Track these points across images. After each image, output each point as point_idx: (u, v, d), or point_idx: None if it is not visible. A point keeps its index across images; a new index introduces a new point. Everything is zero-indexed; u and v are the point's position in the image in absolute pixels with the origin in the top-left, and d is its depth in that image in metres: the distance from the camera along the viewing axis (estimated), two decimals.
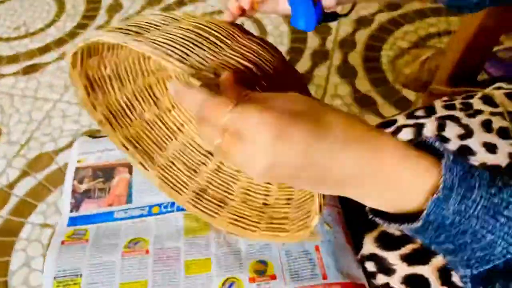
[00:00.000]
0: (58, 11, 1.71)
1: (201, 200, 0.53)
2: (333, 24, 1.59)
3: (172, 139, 0.55)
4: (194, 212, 0.53)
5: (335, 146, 0.29)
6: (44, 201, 1.15)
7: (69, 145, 1.27)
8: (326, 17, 0.48)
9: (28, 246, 1.07)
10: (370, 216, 0.33)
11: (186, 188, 0.53)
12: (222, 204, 0.53)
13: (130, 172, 0.58)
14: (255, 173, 0.29)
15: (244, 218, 0.51)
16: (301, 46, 1.50)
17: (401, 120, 0.62)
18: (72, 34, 1.61)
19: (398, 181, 0.30)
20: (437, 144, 0.31)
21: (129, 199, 0.56)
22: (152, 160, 0.53)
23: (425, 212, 0.28)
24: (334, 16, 0.49)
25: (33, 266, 1.03)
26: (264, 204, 0.51)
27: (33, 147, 1.27)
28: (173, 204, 0.55)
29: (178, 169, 0.54)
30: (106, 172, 0.58)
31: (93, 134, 0.66)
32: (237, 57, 0.35)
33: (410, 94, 1.33)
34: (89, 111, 0.49)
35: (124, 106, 0.52)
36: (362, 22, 1.57)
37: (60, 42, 1.58)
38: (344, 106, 1.31)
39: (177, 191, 0.53)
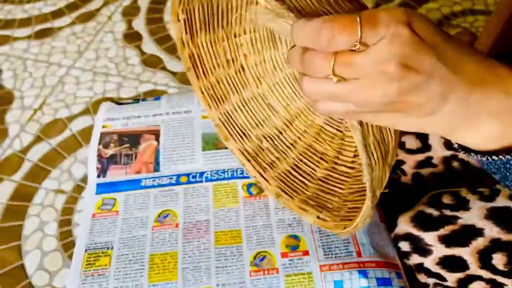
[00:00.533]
0: None
1: (257, 156, 0.51)
2: None
3: (246, 88, 0.52)
4: (244, 164, 0.50)
5: (460, 50, 0.28)
6: (57, 167, 1.14)
7: (83, 112, 1.25)
8: None
9: (42, 211, 1.07)
10: (463, 152, 0.32)
11: (246, 137, 0.51)
12: (273, 165, 0.50)
13: (157, 139, 0.57)
14: (390, 71, 0.26)
15: (288, 182, 0.49)
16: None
17: None
18: None
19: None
20: None
21: (156, 167, 0.54)
22: (221, 103, 0.51)
23: None
24: None
25: (47, 231, 1.03)
26: (314, 175, 0.49)
27: (46, 113, 1.26)
28: (201, 174, 0.54)
29: (244, 116, 0.52)
30: (132, 138, 0.57)
31: (117, 101, 0.64)
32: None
33: None
34: (180, 49, 0.47)
35: (211, 51, 0.49)
36: None
37: (73, 6, 1.55)
38: None
39: (237, 137, 0.51)
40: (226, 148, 0.55)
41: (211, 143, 0.56)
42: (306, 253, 0.46)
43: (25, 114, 1.26)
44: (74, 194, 1.08)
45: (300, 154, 0.50)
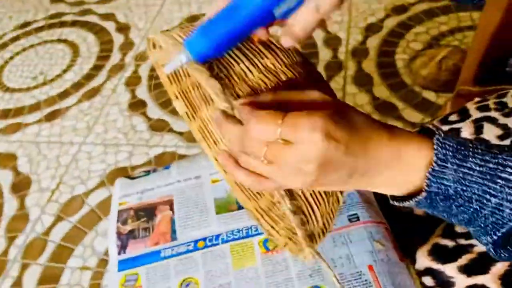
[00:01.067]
0: (73, 56, 1.75)
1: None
2: (342, 35, 1.59)
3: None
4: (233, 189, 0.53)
5: (368, 143, 0.33)
6: (80, 243, 1.16)
7: (99, 185, 1.28)
8: None
9: None
10: (392, 202, 0.38)
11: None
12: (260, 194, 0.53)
13: (172, 209, 0.59)
14: (308, 170, 0.32)
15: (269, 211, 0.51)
16: (313, 60, 1.50)
17: (435, 125, 0.61)
18: (89, 77, 1.65)
19: (405, 164, 0.34)
20: (431, 126, 0.36)
21: (173, 236, 0.56)
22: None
23: (425, 183, 0.33)
24: None
25: None
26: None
27: (64, 191, 1.29)
28: (217, 236, 0.55)
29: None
30: (148, 212, 0.59)
31: (130, 176, 0.66)
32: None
33: (430, 95, 1.32)
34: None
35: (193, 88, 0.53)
36: (371, 29, 1.57)
37: (78, 85, 1.62)
38: None
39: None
40: (239, 209, 0.57)
41: (224, 206, 0.58)
42: None
43: (44, 196, 1.29)
44: (99, 269, 1.10)
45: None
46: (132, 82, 1.59)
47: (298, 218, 0.37)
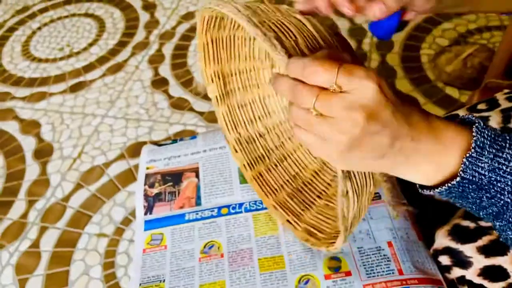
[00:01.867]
0: (99, 30, 1.77)
1: (263, 177, 0.55)
2: (367, 26, 1.59)
3: (261, 111, 0.58)
4: (251, 185, 0.54)
5: (411, 116, 0.34)
6: (98, 211, 1.19)
7: (118, 157, 1.31)
8: (401, 25, 0.48)
9: (86, 255, 1.11)
10: (420, 190, 0.37)
11: (256, 163, 0.56)
12: (279, 189, 0.55)
13: (197, 176, 0.60)
14: (355, 118, 0.32)
15: (293, 211, 0.53)
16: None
17: (462, 113, 0.62)
18: (114, 52, 1.67)
19: (443, 145, 0.34)
20: (470, 117, 0.36)
21: (198, 202, 0.58)
22: (237, 122, 0.57)
23: (461, 168, 0.33)
24: (405, 24, 0.49)
25: (92, 275, 1.07)
26: (319, 197, 0.52)
27: (84, 161, 1.32)
28: (240, 205, 0.57)
29: (257, 141, 0.58)
30: (174, 177, 0.61)
31: (157, 142, 0.68)
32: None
33: (453, 92, 1.31)
34: (201, 67, 0.54)
35: (232, 73, 0.55)
36: None
37: (103, 60, 1.64)
38: None
39: (246, 161, 0.56)
40: None
41: None
42: (348, 273, 0.48)
43: (65, 164, 1.32)
44: (115, 237, 1.12)
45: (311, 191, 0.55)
46: (156, 60, 1.61)
47: (347, 202, 0.37)
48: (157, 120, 1.41)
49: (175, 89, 1.49)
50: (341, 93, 0.32)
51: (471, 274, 0.48)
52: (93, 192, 1.23)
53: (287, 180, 0.56)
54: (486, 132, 0.33)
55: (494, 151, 0.32)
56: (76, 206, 1.21)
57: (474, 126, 0.34)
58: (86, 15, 1.87)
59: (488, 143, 0.32)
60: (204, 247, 0.53)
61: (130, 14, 1.83)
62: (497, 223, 0.35)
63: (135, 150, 1.32)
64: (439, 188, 0.35)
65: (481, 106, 0.62)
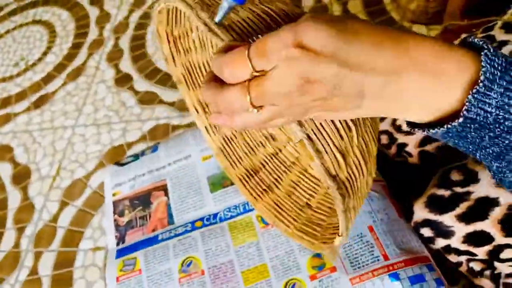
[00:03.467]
0: (50, 36, 1.70)
1: (250, 180, 0.53)
2: None
3: None
4: (240, 189, 0.52)
5: (365, 47, 0.27)
6: (89, 225, 1.17)
7: (97, 166, 1.28)
8: None
9: (86, 272, 1.10)
10: (410, 129, 0.32)
11: (240, 163, 0.53)
12: (267, 190, 0.52)
13: (166, 194, 0.58)
14: (296, 97, 0.28)
15: (283, 211, 0.50)
16: (297, 10, 1.44)
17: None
18: (70, 56, 1.60)
19: (437, 76, 0.27)
20: (476, 40, 0.29)
21: (170, 221, 0.56)
22: (216, 127, 0.53)
23: (465, 106, 0.27)
24: None
25: None
26: (307, 204, 0.50)
27: (64, 177, 1.29)
28: (215, 215, 0.55)
29: (238, 143, 0.54)
30: (143, 200, 0.58)
31: (119, 161, 0.65)
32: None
33: (421, 29, 1.27)
34: (170, 67, 0.50)
35: (202, 68, 0.51)
36: None
37: (60, 67, 1.58)
38: None
39: (231, 163, 0.53)
40: (233, 184, 0.56)
41: (218, 183, 0.57)
42: (333, 269, 0.47)
43: (45, 183, 1.29)
44: None
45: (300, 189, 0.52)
46: (114, 56, 1.55)
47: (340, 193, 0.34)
48: (129, 120, 1.37)
49: (140, 84, 1.44)
50: (267, 75, 0.28)
51: (455, 242, 0.47)
52: (80, 207, 1.21)
53: (276, 179, 0.54)
54: (497, 60, 0.27)
55: (505, 83, 0.26)
56: (66, 225, 1.19)
57: (483, 53, 0.27)
58: (34, 22, 1.78)
59: (499, 73, 0.27)
60: (182, 265, 0.51)
61: (78, 12, 1.75)
62: (495, 164, 0.30)
63: (112, 156, 1.29)
64: (435, 129, 0.29)
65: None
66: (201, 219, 0.55)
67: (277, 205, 0.51)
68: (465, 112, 0.27)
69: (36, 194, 1.27)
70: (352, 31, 0.27)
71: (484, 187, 0.46)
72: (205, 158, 0.60)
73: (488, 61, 0.27)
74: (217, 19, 0.35)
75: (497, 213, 0.45)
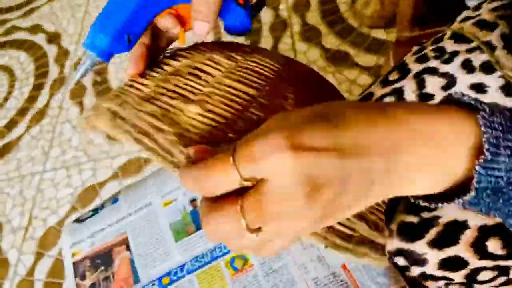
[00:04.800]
0: (10, 81, 1.65)
1: None
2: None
3: None
4: None
5: (359, 128, 0.25)
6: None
7: (70, 211, 1.24)
8: (256, 8, 0.44)
9: None
10: (423, 204, 0.30)
11: None
12: None
13: (128, 248, 0.55)
14: (303, 211, 0.24)
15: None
16: (255, 25, 1.43)
17: (378, 91, 0.58)
18: (32, 99, 1.56)
19: (435, 141, 0.25)
20: (465, 98, 0.27)
21: (136, 279, 0.53)
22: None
23: (475, 180, 0.25)
24: (262, 3, 0.45)
25: None
26: None
27: (37, 226, 1.25)
28: (182, 268, 0.52)
29: None
30: (104, 258, 0.55)
31: (79, 218, 0.62)
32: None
33: (380, 34, 1.27)
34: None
35: None
36: None
37: (23, 111, 1.54)
38: (320, 70, 1.26)
39: None
40: (197, 230, 0.54)
41: (181, 230, 0.55)
42: None
43: (18, 236, 1.25)
44: None
45: None
46: (77, 93, 1.51)
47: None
48: (98, 158, 1.33)
49: None
50: (259, 187, 0.24)
51: (430, 269, 0.45)
52: (55, 257, 1.17)
53: None
54: (496, 120, 0.25)
55: (510, 143, 0.25)
56: (43, 277, 1.14)
57: (479, 115, 0.25)
58: None
59: (502, 134, 0.25)
60: None
61: (36, 52, 1.71)
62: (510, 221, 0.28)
63: (85, 198, 1.25)
64: (447, 203, 0.27)
65: (393, 76, 0.57)
66: (168, 274, 0.52)
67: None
68: (475, 184, 0.25)
69: (9, 248, 1.23)
70: (339, 115, 0.25)
71: (452, 211, 0.44)
72: (166, 203, 0.58)
73: (488, 124, 0.25)
74: (77, 76, 0.35)
75: (467, 236, 0.43)
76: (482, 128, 0.25)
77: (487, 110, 0.25)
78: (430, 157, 0.26)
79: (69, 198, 1.27)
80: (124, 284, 0.52)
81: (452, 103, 0.28)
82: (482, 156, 0.25)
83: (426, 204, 0.30)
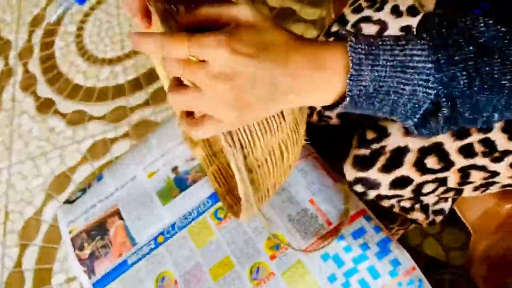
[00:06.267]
0: None
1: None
2: None
3: None
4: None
5: (287, 54, 0.35)
6: (56, 260, 1.17)
7: (46, 200, 1.26)
8: None
9: None
10: (321, 110, 0.40)
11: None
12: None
13: (121, 218, 0.61)
14: (225, 87, 0.34)
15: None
16: None
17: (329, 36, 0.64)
18: None
19: (325, 68, 0.35)
20: (342, 32, 0.37)
21: (133, 242, 0.59)
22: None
23: (347, 89, 0.35)
24: None
25: None
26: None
27: (15, 220, 1.27)
28: (173, 226, 0.58)
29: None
30: (99, 229, 0.61)
31: (68, 199, 0.67)
32: None
33: None
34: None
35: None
36: None
37: None
38: None
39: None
40: (181, 191, 0.60)
41: (167, 195, 0.61)
42: (287, 246, 0.52)
43: None
44: None
45: None
46: (28, 83, 1.49)
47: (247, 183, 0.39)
48: (63, 145, 1.34)
49: (64, 105, 1.41)
50: (202, 63, 0.34)
51: (383, 191, 0.54)
52: (41, 245, 1.20)
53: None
54: (360, 46, 0.34)
55: (370, 62, 0.34)
56: (32, 266, 1.18)
57: (347, 44, 0.35)
58: None
59: (363, 56, 0.34)
60: (157, 282, 0.55)
61: None
62: (395, 117, 0.38)
63: (58, 185, 1.27)
64: (336, 109, 0.37)
65: (334, 28, 0.64)
66: (162, 233, 0.59)
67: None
68: (348, 93, 0.35)
69: None
70: (267, 38, 0.35)
71: (395, 139, 0.52)
72: (150, 174, 0.63)
73: (353, 49, 0.34)
74: (53, 18, 0.38)
75: (409, 158, 0.52)
76: (348, 53, 0.35)
77: (354, 39, 0.35)
78: (317, 73, 0.35)
79: (42, 187, 1.29)
80: (123, 248, 0.58)
81: (339, 37, 0.38)
82: (349, 71, 0.34)
83: (328, 112, 0.39)
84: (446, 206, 0.61)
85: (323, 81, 0.35)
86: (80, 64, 1.48)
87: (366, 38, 0.35)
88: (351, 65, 0.34)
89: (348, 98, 0.35)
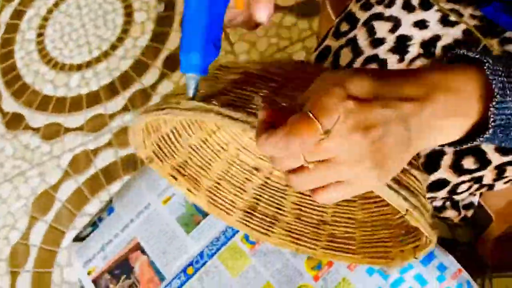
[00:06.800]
0: None
1: (251, 218, 0.52)
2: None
3: (216, 160, 0.53)
4: (247, 231, 0.53)
5: (396, 82, 0.31)
6: (52, 284, 1.12)
7: (31, 222, 1.19)
8: None
9: None
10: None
11: (235, 207, 0.53)
12: (274, 221, 0.52)
13: (143, 252, 0.57)
14: (356, 147, 0.29)
15: (300, 235, 0.51)
16: (169, 13, 1.38)
17: (333, 43, 0.61)
18: None
19: (456, 92, 0.31)
20: (469, 53, 0.32)
21: (161, 276, 0.55)
22: (198, 183, 0.52)
23: (491, 119, 0.30)
24: None
25: None
26: (321, 221, 0.51)
27: (2, 246, 1.19)
28: (201, 255, 0.55)
29: (225, 188, 0.53)
30: (122, 267, 0.57)
31: (78, 236, 0.62)
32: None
33: None
34: (140, 150, 0.48)
35: (171, 136, 0.49)
36: None
37: None
38: None
39: (225, 211, 0.53)
40: (204, 217, 0.57)
41: (190, 222, 0.57)
42: (330, 263, 0.50)
43: None
44: None
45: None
46: None
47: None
48: (41, 162, 1.27)
49: (36, 118, 1.33)
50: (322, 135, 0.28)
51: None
52: (32, 271, 1.14)
53: (278, 208, 0.53)
54: (498, 68, 0.30)
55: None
56: None
57: (485, 66, 0.30)
58: None
59: (505, 79, 0.30)
60: None
61: None
62: None
63: (41, 205, 1.21)
64: (470, 143, 0.33)
65: (343, 27, 0.61)
66: (190, 264, 0.55)
67: (291, 231, 0.51)
68: (492, 123, 0.30)
69: None
70: (380, 76, 0.30)
71: None
72: (165, 201, 0.59)
73: (492, 71, 0.30)
74: (191, 94, 0.35)
75: (446, 160, 0.50)
76: (489, 76, 0.30)
77: (489, 60, 0.31)
78: (451, 104, 0.31)
79: (24, 209, 1.22)
80: (151, 284, 0.55)
81: (458, 58, 0.33)
82: (494, 99, 0.30)
83: (452, 147, 0.35)
84: (474, 199, 0.61)
85: (455, 108, 0.31)
86: (46, 73, 1.38)
87: (498, 57, 0.31)
88: (496, 90, 0.29)
89: (491, 130, 0.31)
